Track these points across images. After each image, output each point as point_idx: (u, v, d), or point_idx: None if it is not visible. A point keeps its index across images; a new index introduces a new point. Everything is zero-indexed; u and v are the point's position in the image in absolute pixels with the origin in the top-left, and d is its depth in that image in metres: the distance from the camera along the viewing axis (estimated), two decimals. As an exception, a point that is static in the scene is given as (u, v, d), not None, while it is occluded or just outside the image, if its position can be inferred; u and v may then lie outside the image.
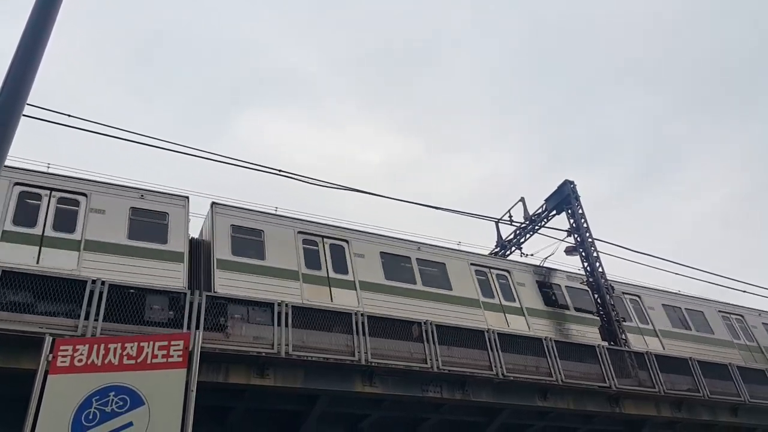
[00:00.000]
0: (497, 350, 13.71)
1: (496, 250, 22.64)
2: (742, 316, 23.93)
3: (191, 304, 10.86)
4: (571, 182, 20.42)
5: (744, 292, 24.91)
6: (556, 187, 20.92)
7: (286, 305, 11.88)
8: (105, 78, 65.23)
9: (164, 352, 6.12)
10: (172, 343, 6.21)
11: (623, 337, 17.65)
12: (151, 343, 6.26)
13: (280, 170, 15.91)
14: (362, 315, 12.57)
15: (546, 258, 20.65)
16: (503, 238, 22.65)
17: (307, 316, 12.19)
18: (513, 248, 22.27)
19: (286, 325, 11.52)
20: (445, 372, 12.85)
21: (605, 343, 16.84)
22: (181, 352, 6.13)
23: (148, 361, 6.08)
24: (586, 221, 19.86)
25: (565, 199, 20.41)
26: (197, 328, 10.39)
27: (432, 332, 13.15)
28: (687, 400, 16.15)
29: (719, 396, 16.57)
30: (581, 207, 20.11)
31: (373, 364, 12.08)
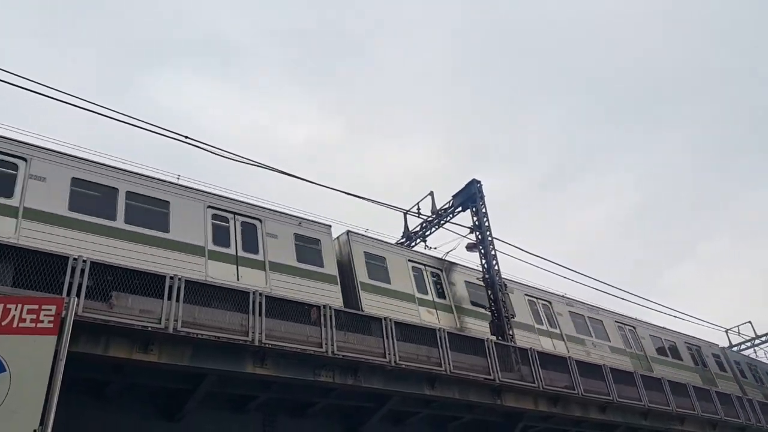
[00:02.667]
0: (392, 338, 13.90)
1: (401, 240, 22.94)
2: (634, 327, 26.65)
3: (73, 269, 10.10)
4: (478, 182, 21.06)
5: (624, 299, 27.15)
6: (464, 185, 21.49)
7: (179, 279, 11.38)
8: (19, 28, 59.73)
9: (33, 316, 5.63)
10: (43, 307, 5.73)
11: (510, 332, 18.45)
12: (20, 305, 5.74)
13: (187, 137, 15.22)
14: (260, 294, 12.30)
15: (448, 252, 21.18)
16: (410, 229, 22.99)
17: (201, 293, 11.75)
18: (418, 240, 22.66)
19: (177, 300, 11.03)
20: (339, 357, 12.85)
21: (494, 338, 17.53)
22: (52, 318, 5.67)
23: (15, 325, 5.57)
24: (488, 220, 20.56)
25: (471, 197, 21.02)
26: (77, 295, 9.70)
27: (330, 317, 13.11)
28: (563, 396, 17.14)
29: (592, 394, 17.72)
30: (485, 206, 20.80)
31: (267, 345, 11.85)
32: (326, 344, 12.68)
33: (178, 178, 15.65)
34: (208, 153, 15.61)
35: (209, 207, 15.38)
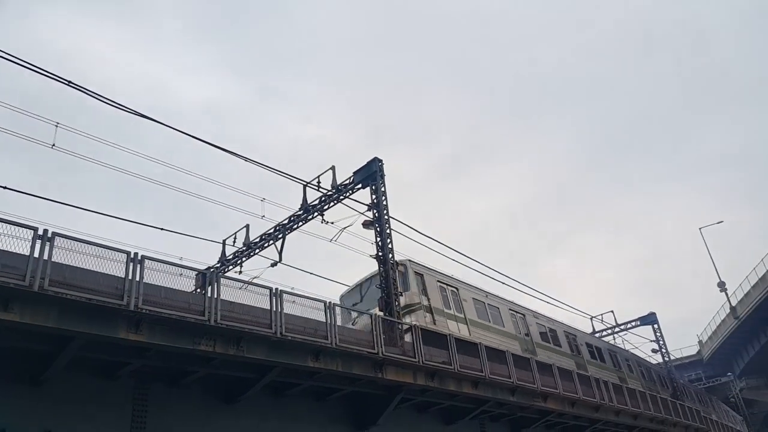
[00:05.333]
0: (280, 308, 13.71)
1: (299, 213, 22.61)
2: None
3: None
4: (380, 160, 21.11)
5: (505, 284, 29.05)
6: (366, 162, 21.46)
7: (51, 233, 10.46)
8: None
9: None
10: None
11: (397, 310, 18.85)
12: None
13: (70, 82, 13.91)
14: (138, 255, 11.61)
15: (344, 228, 21.19)
16: (308, 202, 22.68)
17: (75, 249, 10.88)
18: (316, 213, 22.42)
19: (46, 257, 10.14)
20: (222, 326, 12.48)
21: (381, 314, 17.84)
22: None
23: None
24: (386, 199, 20.72)
25: (371, 175, 21.04)
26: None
27: (215, 285, 12.67)
28: (440, 371, 17.83)
29: (466, 370, 18.59)
30: (384, 185, 20.92)
31: (143, 310, 11.24)
32: (209, 313, 12.27)
33: None
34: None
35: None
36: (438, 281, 23.96)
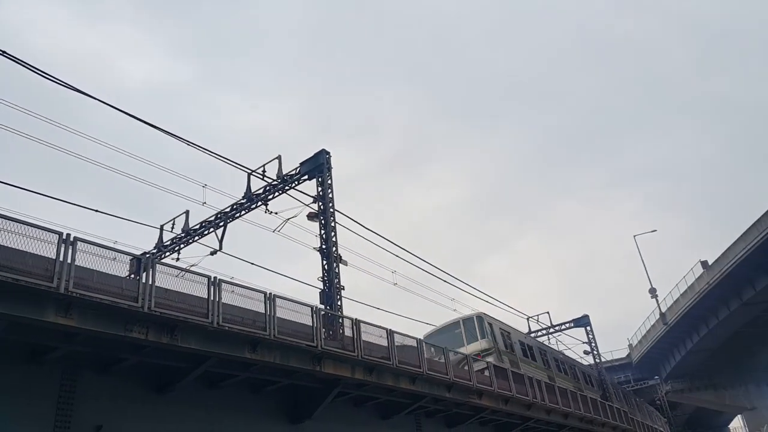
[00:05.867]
0: (218, 298, 13.51)
1: (242, 201, 22.30)
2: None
3: None
4: (327, 152, 21.06)
5: (446, 281, 29.30)
6: (313, 153, 21.35)
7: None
8: None
9: None
10: None
11: (339, 303, 18.88)
12: None
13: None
14: (70, 236, 11.21)
15: (288, 219, 21.02)
16: (252, 191, 22.39)
17: (3, 228, 10.42)
18: (259, 203, 22.17)
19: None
20: (156, 314, 12.20)
21: (322, 306, 17.82)
22: None
23: None
24: (332, 191, 20.70)
25: (318, 167, 20.97)
26: None
27: (151, 271, 12.37)
28: (378, 366, 17.97)
29: (405, 366, 18.80)
30: (331, 177, 20.89)
31: (74, 294, 10.87)
32: (143, 299, 11.97)
33: None
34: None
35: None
36: (500, 328, 32.17)
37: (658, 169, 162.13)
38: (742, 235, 42.85)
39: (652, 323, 61.37)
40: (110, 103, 15.30)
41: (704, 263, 50.27)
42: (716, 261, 47.50)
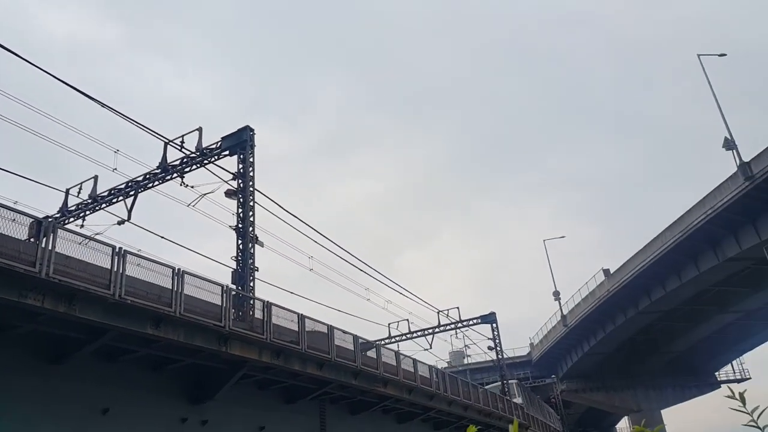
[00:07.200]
0: (122, 269, 13.00)
1: (156, 171, 21.46)
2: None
3: None
4: (251, 129, 20.65)
5: (363, 271, 29.68)
6: (237, 129, 20.87)
7: None
8: None
9: None
10: None
11: (252, 285, 18.63)
12: None
13: None
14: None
15: (205, 194, 20.47)
16: (168, 161, 21.61)
17: None
18: (175, 175, 21.43)
19: None
20: (54, 281, 11.59)
21: (234, 286, 17.53)
22: None
23: None
24: (253, 170, 20.32)
25: (241, 143, 20.52)
26: None
27: (52, 236, 11.73)
28: (286, 349, 17.91)
29: (313, 351, 18.84)
30: (253, 155, 20.50)
31: (-39, 253, 10.15)
32: (41, 264, 11.34)
33: None
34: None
35: None
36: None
37: (574, 178, 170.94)
38: (642, 248, 45.77)
39: (553, 324, 64.54)
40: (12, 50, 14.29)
41: (606, 271, 53.33)
42: (617, 270, 50.51)
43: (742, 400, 2.09)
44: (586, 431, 76.80)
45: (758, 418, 2.05)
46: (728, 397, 2.10)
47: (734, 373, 70.24)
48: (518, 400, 43.66)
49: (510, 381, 45.89)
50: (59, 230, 12.20)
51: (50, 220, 12.19)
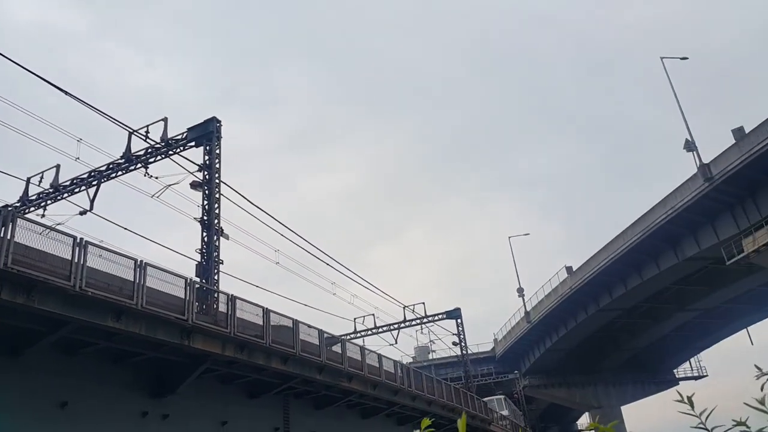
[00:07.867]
0: (83, 260, 12.78)
1: (120, 161, 21.08)
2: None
3: None
4: (218, 121, 20.45)
5: (329, 265, 29.68)
6: (203, 120, 20.64)
7: None
8: None
9: None
10: None
11: (216, 278, 18.49)
12: None
13: None
14: None
15: (169, 186, 20.20)
16: (132, 151, 21.23)
17: None
18: (139, 165, 21.09)
19: None
20: (12, 271, 11.34)
21: (197, 279, 17.37)
22: None
23: None
24: (220, 162, 20.13)
25: (207, 134, 20.31)
26: None
27: (11, 225, 11.46)
28: (250, 344, 17.83)
29: (278, 346, 18.80)
30: (220, 147, 20.30)
31: None
32: (3, 255, 11.08)
33: None
34: None
35: None
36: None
37: (540, 177, 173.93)
38: (605, 246, 46.79)
39: (517, 320, 65.53)
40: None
41: (569, 269, 54.37)
42: (580, 268, 51.55)
43: (691, 403, 2.08)
44: (547, 427, 78.23)
45: (706, 420, 2.08)
46: (677, 401, 2.09)
47: (692, 370, 72.36)
48: (505, 412, 47.40)
49: (498, 396, 51.96)
50: (19, 219, 11.94)
51: (10, 209, 11.91)
